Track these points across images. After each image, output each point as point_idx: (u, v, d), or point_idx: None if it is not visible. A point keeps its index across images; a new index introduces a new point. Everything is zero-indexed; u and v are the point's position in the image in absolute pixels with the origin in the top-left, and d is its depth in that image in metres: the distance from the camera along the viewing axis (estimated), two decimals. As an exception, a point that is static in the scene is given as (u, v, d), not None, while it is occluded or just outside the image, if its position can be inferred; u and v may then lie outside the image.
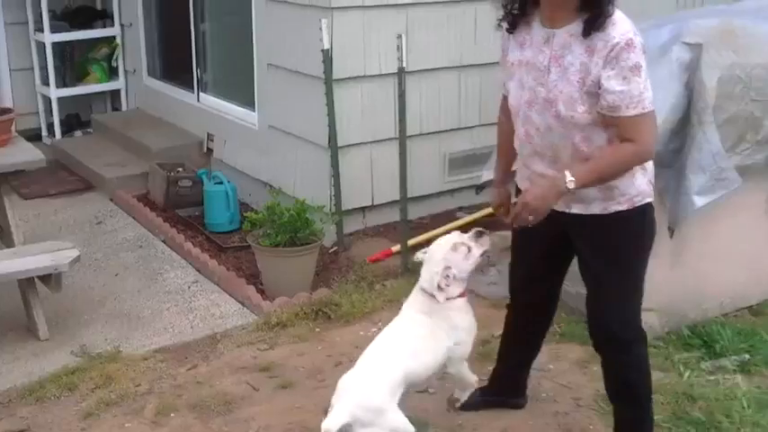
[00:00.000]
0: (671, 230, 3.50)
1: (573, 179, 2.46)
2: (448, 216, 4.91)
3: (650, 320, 3.65)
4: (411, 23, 4.60)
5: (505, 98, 2.78)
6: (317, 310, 3.98)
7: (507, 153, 2.90)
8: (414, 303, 2.99)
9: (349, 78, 4.54)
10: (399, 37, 4.15)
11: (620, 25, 2.43)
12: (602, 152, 2.55)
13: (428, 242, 4.51)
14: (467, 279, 2.96)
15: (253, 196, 5.24)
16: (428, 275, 2.92)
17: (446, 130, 4.95)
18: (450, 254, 2.91)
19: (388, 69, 4.44)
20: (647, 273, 3.00)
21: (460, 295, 2.94)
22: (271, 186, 4.86)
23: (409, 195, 4.63)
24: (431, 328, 2.91)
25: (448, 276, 2.87)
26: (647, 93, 2.45)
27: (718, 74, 3.41)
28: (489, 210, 4.77)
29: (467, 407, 3.23)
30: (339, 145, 4.48)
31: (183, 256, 4.73)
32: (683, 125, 3.43)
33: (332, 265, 4.51)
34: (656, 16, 3.97)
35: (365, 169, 4.72)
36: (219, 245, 4.84)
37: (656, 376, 3.35)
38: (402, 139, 4.26)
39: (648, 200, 2.65)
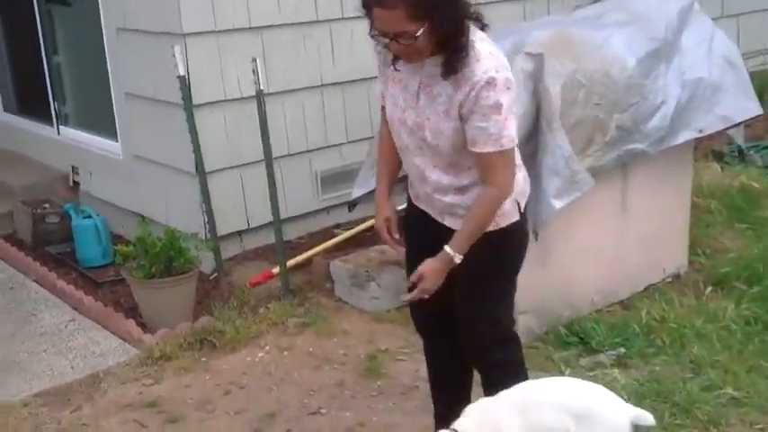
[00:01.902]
0: (535, 234, 3.66)
1: (456, 254, 2.52)
2: (325, 234, 4.97)
3: (527, 322, 3.83)
4: (267, 45, 4.64)
5: (383, 108, 2.74)
6: (200, 339, 3.96)
7: (390, 164, 2.81)
8: None
9: (210, 103, 4.54)
10: (254, 60, 4.18)
11: (484, 62, 2.41)
12: (469, 209, 2.57)
13: (307, 261, 4.62)
14: None
15: (126, 228, 5.15)
16: None
17: (314, 149, 5.00)
18: None
19: (248, 92, 4.46)
20: (519, 278, 3.14)
21: None
22: (142, 217, 4.79)
23: (285, 216, 4.68)
24: None
25: None
26: (507, 131, 2.43)
27: (561, 81, 3.57)
28: (366, 225, 4.89)
29: None
30: (207, 170, 4.47)
31: (57, 294, 4.60)
32: (535, 132, 3.59)
33: (213, 292, 4.50)
34: (498, 28, 4.14)
35: (237, 193, 4.73)
36: (94, 280, 4.74)
37: (537, 376, 3.53)
38: (268, 160, 4.29)
39: (513, 219, 2.65)
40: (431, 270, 2.55)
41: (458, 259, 2.54)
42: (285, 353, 3.86)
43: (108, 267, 4.86)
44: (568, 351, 3.73)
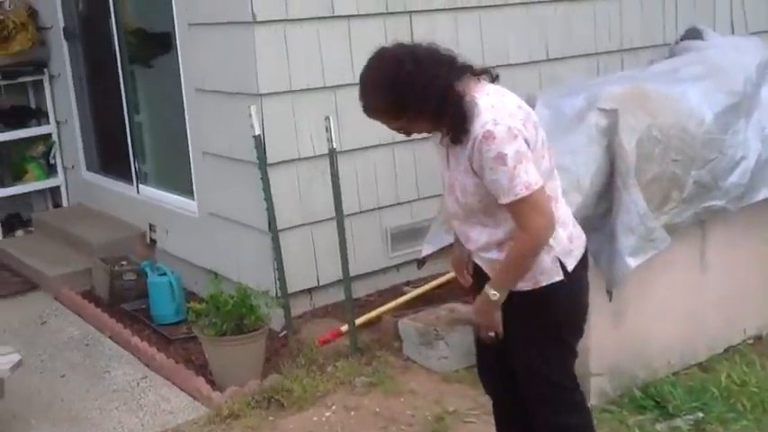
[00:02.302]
0: (609, 293, 3.58)
1: (494, 292, 2.59)
2: (395, 291, 4.94)
3: (601, 384, 3.72)
4: (340, 104, 4.69)
5: None
6: (268, 397, 3.94)
7: None
8: None
9: (283, 162, 4.60)
10: (327, 119, 4.23)
11: (482, 116, 2.44)
12: (507, 248, 2.59)
13: (376, 319, 4.60)
14: None
15: (199, 285, 5.22)
16: None
17: (385, 206, 5.01)
18: None
19: (321, 150, 4.51)
20: (592, 338, 3.06)
21: None
22: (215, 274, 4.85)
23: (354, 273, 4.67)
24: None
25: None
26: (519, 179, 2.43)
27: (637, 136, 3.52)
28: (436, 283, 4.86)
29: None
30: (279, 228, 4.52)
31: (130, 351, 4.67)
32: (609, 188, 3.53)
33: (282, 350, 4.49)
34: (569, 84, 4.11)
35: (307, 250, 4.76)
36: (167, 337, 4.79)
37: (610, 441, 3.42)
38: (339, 217, 4.31)
39: (555, 279, 2.59)
40: (475, 309, 2.69)
41: (494, 297, 2.58)
42: (352, 413, 3.81)
43: (181, 324, 4.91)
44: (644, 415, 3.60)
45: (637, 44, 5.77)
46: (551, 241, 2.56)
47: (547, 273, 2.59)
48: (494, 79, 2.59)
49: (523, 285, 2.61)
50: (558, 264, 2.60)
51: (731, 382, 3.75)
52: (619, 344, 3.73)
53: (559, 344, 2.73)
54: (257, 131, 4.39)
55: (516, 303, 2.61)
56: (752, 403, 3.61)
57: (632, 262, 3.48)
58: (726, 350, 4.09)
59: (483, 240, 2.65)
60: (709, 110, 3.80)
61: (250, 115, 4.37)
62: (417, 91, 2.45)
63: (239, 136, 4.61)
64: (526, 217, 2.49)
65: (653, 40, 5.79)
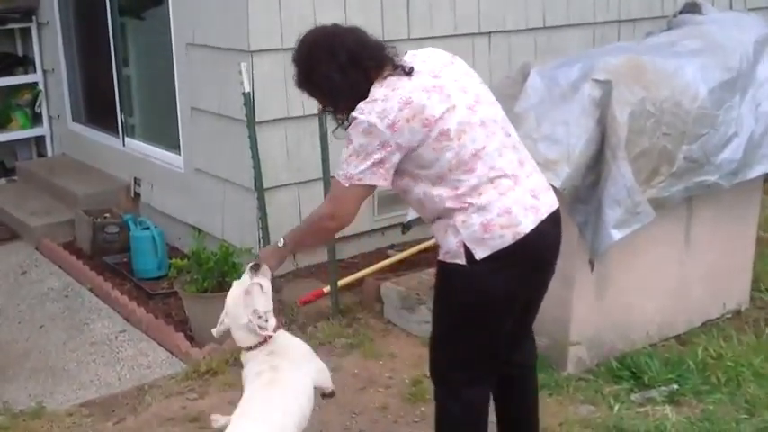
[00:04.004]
0: (591, 264, 3.57)
1: (282, 239, 2.75)
2: (379, 254, 4.94)
3: (579, 353, 3.73)
4: (333, 64, 4.63)
5: None
6: (247, 355, 3.94)
7: None
8: (252, 368, 2.81)
9: (273, 120, 4.56)
10: (319, 79, 4.17)
11: (360, 104, 2.49)
12: (437, 225, 2.62)
13: (359, 282, 4.59)
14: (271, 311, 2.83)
15: (182, 240, 5.20)
16: (242, 332, 2.78)
17: (373, 168, 4.97)
18: (247, 299, 2.75)
19: (310, 110, 4.45)
20: (573, 308, 3.00)
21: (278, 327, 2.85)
22: (199, 231, 4.82)
23: (339, 234, 4.63)
24: (286, 374, 2.78)
25: (260, 317, 2.74)
26: (346, 166, 2.49)
27: (629, 109, 3.48)
28: (420, 247, 4.85)
29: None
30: (265, 187, 4.47)
31: (110, 304, 4.66)
32: (598, 160, 3.49)
33: (263, 308, 4.47)
34: (567, 54, 4.08)
35: (293, 210, 4.72)
36: (148, 292, 4.77)
37: (586, 410, 3.43)
38: (326, 178, 4.26)
39: (456, 261, 2.53)
40: (263, 253, 2.87)
41: (279, 241, 2.76)
42: (331, 374, 3.79)
43: (162, 279, 4.90)
44: (619, 385, 3.61)
45: (634, 15, 5.73)
46: (458, 225, 2.51)
47: (451, 253, 2.55)
48: (408, 73, 2.53)
49: (440, 257, 2.60)
50: (463, 249, 2.51)
51: (707, 356, 3.76)
52: (599, 314, 3.73)
53: (448, 325, 2.67)
54: (246, 89, 4.33)
55: (437, 269, 2.65)
56: (727, 377, 3.62)
57: (616, 234, 3.46)
58: (704, 324, 4.11)
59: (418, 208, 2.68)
60: (703, 85, 3.75)
61: (240, 72, 4.31)
62: (319, 74, 2.57)
63: (228, 93, 4.56)
64: (328, 197, 2.66)
65: (651, 11, 5.75)
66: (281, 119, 4.60)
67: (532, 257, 2.57)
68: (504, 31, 5.19)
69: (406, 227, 4.12)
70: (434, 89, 2.50)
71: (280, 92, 4.55)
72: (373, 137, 2.44)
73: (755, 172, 3.92)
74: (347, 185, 2.50)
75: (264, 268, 2.77)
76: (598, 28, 5.63)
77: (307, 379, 2.84)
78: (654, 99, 3.58)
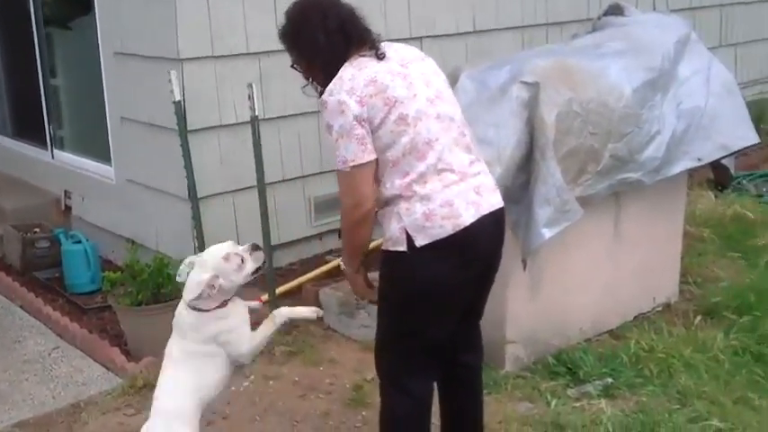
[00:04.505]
0: (524, 262, 3.63)
1: (340, 262, 2.83)
2: (318, 261, 4.93)
3: (516, 351, 3.79)
4: (265, 71, 4.63)
5: None
6: (185, 367, 3.89)
7: None
8: (178, 329, 2.89)
9: (205, 128, 4.52)
10: (250, 86, 4.16)
11: (328, 86, 2.59)
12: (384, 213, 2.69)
13: (298, 288, 4.57)
14: (232, 293, 2.85)
15: (116, 253, 5.12)
16: (193, 284, 2.77)
17: (309, 175, 4.98)
18: (221, 263, 2.78)
19: (244, 118, 4.44)
20: (509, 308, 3.06)
21: (221, 305, 2.83)
22: (133, 242, 4.76)
23: (277, 242, 4.65)
24: (204, 349, 2.83)
25: (213, 287, 2.74)
26: (339, 152, 2.55)
27: (557, 110, 3.55)
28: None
29: None
30: (200, 196, 4.43)
31: (42, 321, 4.55)
32: (528, 161, 3.56)
33: (200, 319, 4.43)
34: (498, 57, 4.14)
35: (229, 218, 4.69)
36: (81, 306, 4.69)
37: (524, 407, 3.48)
38: (261, 187, 4.25)
39: (399, 248, 2.58)
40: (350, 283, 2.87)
41: (341, 265, 2.84)
42: (271, 382, 3.80)
43: (96, 294, 4.82)
44: (556, 381, 3.68)
45: (562, 18, 5.84)
46: (402, 212, 2.57)
47: (393, 240, 2.61)
48: (379, 57, 2.65)
49: (387, 245, 2.65)
50: (405, 235, 2.57)
51: (640, 349, 3.86)
52: (534, 313, 3.79)
53: (393, 319, 2.72)
54: (177, 97, 4.29)
55: (381, 260, 2.68)
56: (659, 369, 3.71)
57: (547, 232, 3.52)
58: (636, 318, 4.21)
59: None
60: (628, 85, 3.84)
61: (170, 80, 4.26)
62: (304, 35, 2.66)
63: (159, 101, 4.50)
64: (341, 193, 2.62)
65: (577, 14, 5.87)
66: (213, 127, 4.57)
67: (472, 250, 2.63)
68: (436, 36, 5.25)
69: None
70: (399, 75, 2.61)
71: (211, 99, 4.52)
72: (347, 114, 2.53)
73: (677, 168, 4.03)
74: (349, 170, 2.54)
75: (260, 254, 2.86)
76: (527, 31, 5.72)
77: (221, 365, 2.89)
78: (580, 99, 3.66)
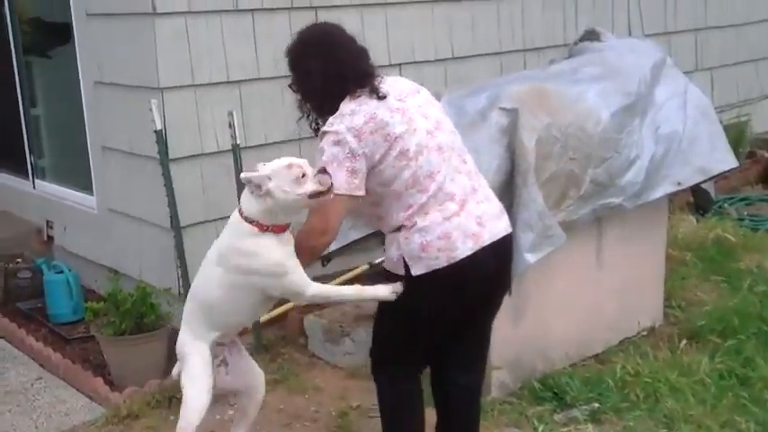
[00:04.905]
0: (509, 288, 3.64)
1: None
2: (301, 287, 4.91)
3: (501, 377, 3.79)
4: (245, 99, 4.63)
5: None
6: (169, 396, 3.86)
7: None
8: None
9: (187, 157, 4.50)
10: (230, 114, 4.17)
11: (329, 119, 2.68)
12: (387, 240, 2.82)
13: (282, 316, 4.56)
14: (286, 214, 2.65)
15: (99, 282, 5.08)
16: (244, 177, 2.66)
17: (292, 202, 4.97)
18: (281, 168, 2.62)
19: (225, 146, 4.44)
20: (494, 333, 3.11)
21: (271, 229, 2.65)
22: (116, 272, 4.73)
23: (258, 269, 4.63)
24: (230, 262, 2.71)
25: (260, 186, 2.60)
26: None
27: (536, 135, 3.57)
28: (343, 278, 4.82)
29: None
30: (183, 224, 4.42)
31: (25, 351, 4.51)
32: (508, 186, 3.57)
33: (185, 348, 4.40)
34: (475, 83, 4.17)
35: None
36: (64, 337, 4.66)
37: (513, 432, 3.48)
38: (244, 215, 4.24)
39: (398, 272, 2.72)
40: None
41: None
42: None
43: (79, 324, 4.78)
44: (542, 406, 3.68)
45: (539, 44, 5.89)
46: (401, 240, 2.69)
47: (392, 264, 2.75)
48: (380, 97, 2.70)
49: (386, 265, 2.81)
50: (402, 263, 2.70)
51: (626, 373, 3.87)
52: (519, 338, 3.80)
53: (383, 328, 2.91)
54: (158, 126, 4.29)
55: (388, 279, 2.78)
56: (645, 393, 3.73)
57: (531, 258, 3.53)
58: (621, 342, 4.22)
59: (373, 221, 2.85)
60: (605, 110, 3.88)
61: (151, 109, 4.26)
62: (300, 70, 2.76)
63: (140, 131, 4.50)
64: (310, 212, 2.68)
65: (554, 40, 5.92)
66: (195, 155, 4.56)
67: (467, 282, 2.71)
68: (414, 62, 5.28)
69: (326, 258, 4.12)
70: (398, 111, 2.68)
71: (192, 128, 4.52)
72: (342, 146, 2.59)
73: (657, 193, 4.07)
74: (331, 197, 2.57)
75: (326, 178, 2.60)
76: (504, 57, 5.76)
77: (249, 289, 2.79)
78: (559, 124, 3.68)
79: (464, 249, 2.65)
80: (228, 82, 4.61)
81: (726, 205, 6.22)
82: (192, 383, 2.79)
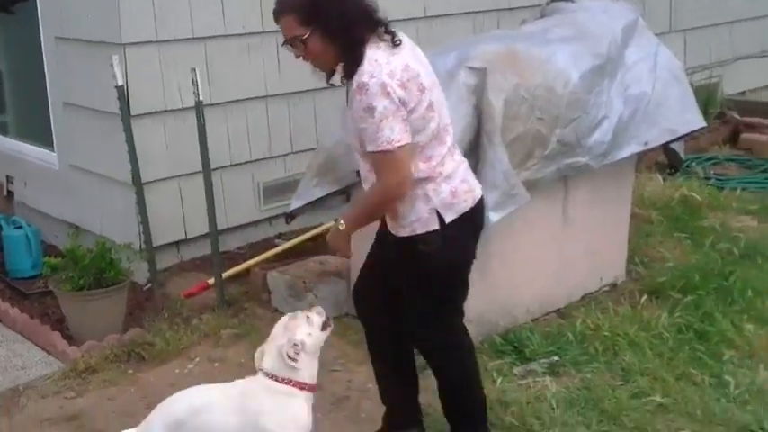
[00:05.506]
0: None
1: (342, 222, 2.75)
2: (266, 244, 4.90)
3: (465, 332, 3.79)
4: (210, 56, 4.58)
5: None
6: (128, 351, 3.85)
7: None
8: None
9: (150, 114, 4.45)
10: (193, 70, 4.10)
11: (363, 67, 2.57)
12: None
13: (246, 272, 4.54)
14: (316, 356, 2.71)
15: (60, 238, 5.02)
16: (272, 354, 2.66)
17: (258, 160, 4.93)
18: (289, 322, 2.71)
19: (189, 103, 4.38)
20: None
21: (306, 387, 2.66)
22: (76, 228, 4.68)
23: (225, 226, 4.61)
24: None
25: (296, 345, 2.62)
26: (383, 133, 2.55)
27: (504, 95, 3.56)
28: (307, 235, 4.84)
29: None
30: (145, 181, 4.36)
31: (-19, 306, 4.46)
32: (476, 146, 3.56)
33: (146, 304, 4.37)
34: (447, 42, 4.13)
35: (175, 203, 4.63)
36: (22, 292, 4.61)
37: (471, 386, 3.48)
38: (206, 171, 4.20)
39: (431, 228, 2.72)
40: (328, 235, 2.83)
41: (342, 227, 2.75)
42: (216, 364, 3.76)
43: (38, 279, 4.72)
44: (502, 359, 3.70)
45: (513, 4, 5.85)
46: (430, 193, 2.70)
47: (423, 222, 2.72)
48: (394, 43, 2.65)
49: (402, 231, 2.75)
50: (436, 215, 2.72)
51: (586, 328, 3.90)
52: (482, 294, 3.76)
53: (434, 298, 2.83)
54: (120, 82, 4.21)
55: (398, 248, 2.78)
56: (603, 347, 3.75)
57: (494, 216, 3.52)
58: (583, 298, 4.25)
59: (370, 178, 2.75)
60: (575, 71, 3.86)
61: (112, 65, 4.19)
62: (331, 13, 2.57)
63: (102, 86, 4.41)
64: (382, 171, 2.63)
65: (529, 0, 5.88)
66: (158, 112, 4.50)
67: (482, 222, 2.89)
68: (385, 21, 5.22)
69: (290, 216, 4.10)
70: (421, 63, 2.69)
71: (156, 84, 4.45)
72: (391, 96, 2.54)
73: (624, 153, 4.07)
74: (395, 150, 2.56)
75: (319, 314, 2.73)
76: (478, 17, 5.72)
77: None
78: (527, 85, 3.66)
79: (479, 190, 2.83)
80: (194, 38, 4.54)
81: (693, 165, 6.25)
82: None
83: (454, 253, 2.79)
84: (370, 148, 2.60)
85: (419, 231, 2.72)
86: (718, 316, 3.93)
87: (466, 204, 2.76)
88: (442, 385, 3.01)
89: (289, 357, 2.61)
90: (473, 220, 2.81)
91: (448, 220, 2.72)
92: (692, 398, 3.38)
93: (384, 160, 2.59)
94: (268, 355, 2.67)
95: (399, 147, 2.56)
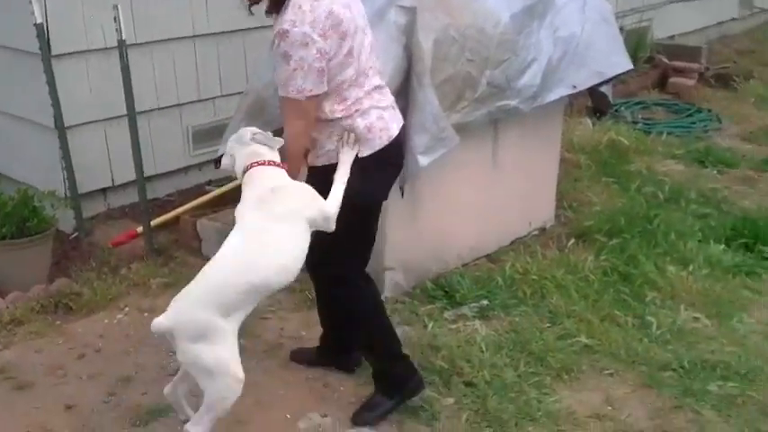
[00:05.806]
0: (402, 189, 3.62)
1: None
2: (197, 191, 4.82)
3: (396, 278, 3.82)
4: (135, -7, 4.41)
5: None
6: (55, 302, 3.77)
7: None
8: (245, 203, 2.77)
9: (72, 53, 4.28)
10: (115, 8, 3.95)
11: (287, 14, 2.62)
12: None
13: (175, 220, 4.46)
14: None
15: (-21, 186, 4.86)
16: (242, 155, 2.78)
17: (186, 103, 4.82)
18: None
19: (113, 42, 4.22)
20: (387, 235, 3.14)
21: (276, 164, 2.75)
22: (-2, 174, 4.53)
23: (153, 172, 4.51)
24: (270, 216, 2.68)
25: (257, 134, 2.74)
26: (294, 82, 2.62)
27: (434, 36, 3.51)
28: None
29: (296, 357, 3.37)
30: (68, 125, 4.23)
31: None
32: (406, 87, 3.52)
33: (73, 253, 4.28)
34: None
35: (101, 148, 4.51)
36: (-60, 243, 4.44)
37: (402, 331, 3.52)
38: (131, 114, 4.09)
39: (334, 162, 2.79)
40: None
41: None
42: (146, 314, 3.71)
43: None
44: (433, 304, 3.75)
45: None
46: (346, 127, 2.77)
47: (327, 156, 2.82)
48: None
49: (318, 161, 2.85)
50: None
51: (515, 272, 3.97)
52: (413, 239, 3.81)
53: (349, 229, 2.81)
54: (38, 20, 4.04)
55: (317, 179, 2.84)
56: (532, 290, 3.84)
57: (423, 160, 3.51)
58: (512, 242, 4.32)
59: None
60: (506, 11, 3.83)
61: (30, 2, 4.01)
62: None
63: (19, 24, 4.22)
64: (287, 117, 2.73)
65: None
66: (81, 51, 4.34)
67: (397, 161, 2.96)
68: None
69: (219, 161, 4.01)
70: (347, 6, 2.70)
71: (77, 22, 4.28)
72: (310, 47, 2.59)
73: (553, 96, 4.09)
74: (304, 99, 2.64)
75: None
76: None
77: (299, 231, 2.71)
78: (458, 25, 3.62)
79: (394, 129, 2.86)
80: (117, -27, 4.36)
81: (622, 109, 6.34)
82: (229, 368, 2.61)
83: (365, 187, 2.81)
84: (280, 93, 2.68)
85: (334, 161, 2.79)
86: (642, 258, 4.04)
87: (380, 141, 2.81)
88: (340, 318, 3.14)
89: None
90: (388, 158, 2.87)
91: (362, 154, 2.78)
92: (615, 338, 3.49)
93: (291, 108, 2.68)
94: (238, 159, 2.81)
95: (308, 97, 2.64)
